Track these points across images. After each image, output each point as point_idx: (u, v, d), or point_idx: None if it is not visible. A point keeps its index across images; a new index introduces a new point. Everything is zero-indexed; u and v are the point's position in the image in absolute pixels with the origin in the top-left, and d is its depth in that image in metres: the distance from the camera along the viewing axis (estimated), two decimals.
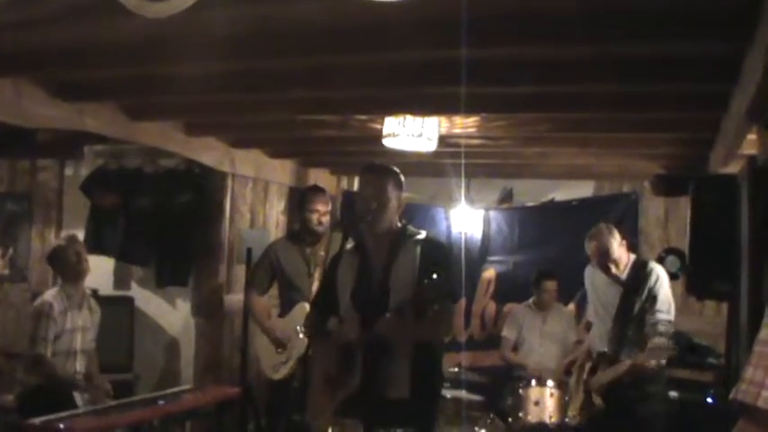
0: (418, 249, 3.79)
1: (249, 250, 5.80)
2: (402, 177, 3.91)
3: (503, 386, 6.37)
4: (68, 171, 7.63)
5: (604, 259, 5.17)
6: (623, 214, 7.08)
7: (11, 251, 7.65)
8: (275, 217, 7.66)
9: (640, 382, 4.96)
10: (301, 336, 5.34)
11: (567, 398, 5.60)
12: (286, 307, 5.65)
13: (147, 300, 7.30)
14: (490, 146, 6.21)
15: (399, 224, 3.90)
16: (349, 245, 3.93)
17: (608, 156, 6.61)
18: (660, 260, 5.67)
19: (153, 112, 5.52)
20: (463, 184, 7.67)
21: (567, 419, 5.53)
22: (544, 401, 5.65)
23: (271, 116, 5.69)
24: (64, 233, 6.97)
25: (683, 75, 3.83)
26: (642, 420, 4.97)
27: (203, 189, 6.99)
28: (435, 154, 5.70)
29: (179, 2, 2.46)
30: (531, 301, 6.89)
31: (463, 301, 7.49)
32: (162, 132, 5.89)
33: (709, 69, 3.72)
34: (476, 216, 7.92)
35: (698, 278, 4.02)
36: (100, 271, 6.49)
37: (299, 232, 5.80)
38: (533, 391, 5.71)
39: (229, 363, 6.79)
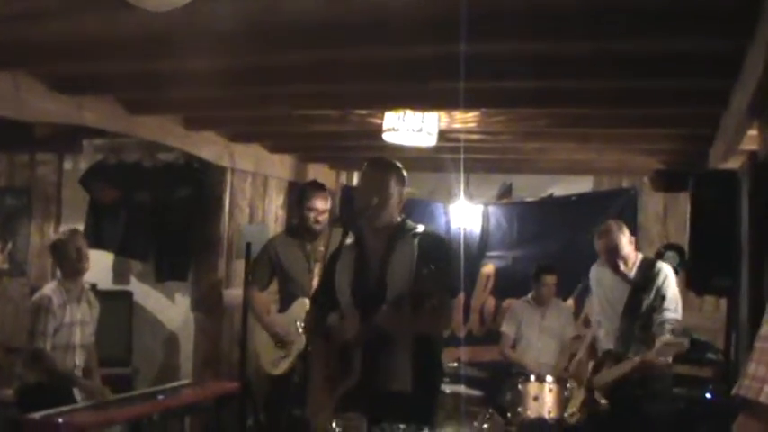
0: (416, 243, 3.79)
1: (248, 245, 5.80)
2: (404, 173, 3.91)
3: (502, 381, 6.37)
4: (67, 165, 7.63)
5: (614, 256, 5.17)
6: (622, 210, 7.07)
7: (10, 245, 7.66)
8: (274, 212, 7.66)
9: (646, 380, 4.96)
10: (301, 331, 5.35)
11: (566, 393, 5.60)
12: (286, 302, 5.66)
13: (146, 294, 7.30)
14: (489, 141, 6.22)
15: (399, 219, 3.89)
16: (348, 240, 3.93)
17: (607, 151, 6.61)
18: (659, 256, 5.69)
19: (152, 106, 5.51)
20: (462, 180, 7.66)
21: (566, 416, 5.53)
22: (543, 397, 5.65)
23: (270, 111, 5.68)
24: (63, 227, 6.99)
25: (682, 71, 3.83)
26: (647, 419, 4.97)
27: (202, 184, 6.99)
28: (435, 149, 5.70)
29: None
30: (529, 296, 6.89)
31: (462, 297, 7.49)
32: (161, 126, 5.89)
33: (709, 65, 3.71)
34: (475, 211, 7.92)
35: (698, 274, 4.02)
36: (99, 265, 6.48)
37: (299, 228, 5.81)
38: (532, 387, 5.71)
39: (228, 358, 6.79)
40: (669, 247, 5.72)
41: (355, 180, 8.55)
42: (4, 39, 3.87)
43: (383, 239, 3.84)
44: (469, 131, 5.81)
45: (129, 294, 7.19)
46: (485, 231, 7.92)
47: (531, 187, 8.61)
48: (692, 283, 4.11)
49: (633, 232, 5.76)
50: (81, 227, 6.74)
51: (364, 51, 3.95)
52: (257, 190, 7.39)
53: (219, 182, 6.96)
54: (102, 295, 5.79)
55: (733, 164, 4.44)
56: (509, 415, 5.71)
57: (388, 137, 5.35)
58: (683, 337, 4.84)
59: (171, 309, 7.30)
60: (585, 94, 4.59)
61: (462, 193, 7.80)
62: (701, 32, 3.23)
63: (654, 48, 3.67)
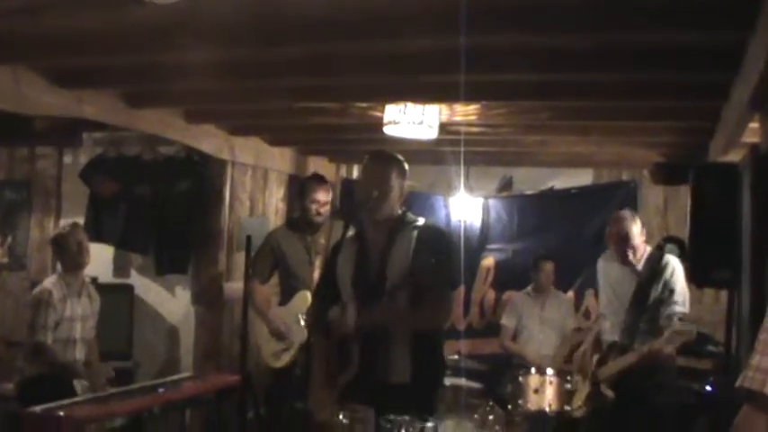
0: (415, 235, 3.79)
1: (249, 238, 5.79)
2: (406, 165, 3.90)
3: (502, 374, 6.38)
4: (67, 159, 7.63)
5: (624, 245, 5.15)
6: (622, 203, 7.05)
7: (9, 239, 7.66)
8: (274, 205, 7.65)
9: (652, 371, 4.95)
10: (303, 323, 5.35)
11: (568, 386, 5.60)
12: (287, 295, 5.67)
13: (146, 287, 7.31)
14: (490, 134, 6.21)
15: (399, 212, 3.89)
16: (350, 233, 3.93)
17: (608, 144, 6.61)
18: (659, 249, 5.67)
19: (152, 99, 5.49)
20: (462, 172, 7.66)
21: (567, 408, 5.53)
22: (544, 389, 5.65)
23: (271, 104, 5.67)
24: (63, 221, 6.98)
25: (683, 63, 3.82)
26: (652, 410, 4.97)
27: (203, 177, 6.98)
28: (435, 142, 5.69)
29: None
30: (529, 287, 6.92)
31: (462, 289, 7.50)
32: (161, 120, 5.88)
33: (710, 58, 3.71)
34: (475, 204, 7.92)
35: (698, 266, 4.02)
36: (99, 259, 6.48)
37: (300, 221, 5.81)
38: (533, 379, 5.71)
39: (229, 351, 6.79)
40: (669, 239, 5.69)
41: (355, 173, 8.55)
42: (4, 32, 3.87)
43: (384, 232, 3.84)
44: (470, 124, 5.81)
45: (129, 288, 7.20)
46: (485, 224, 7.93)
47: (532, 180, 8.62)
48: (693, 275, 4.12)
49: None
50: (81, 220, 6.73)
51: (365, 44, 3.94)
52: (257, 183, 7.39)
53: (220, 175, 6.94)
54: (103, 289, 5.79)
55: (733, 157, 4.44)
56: (509, 407, 5.71)
57: (388, 129, 5.34)
58: (691, 326, 4.85)
59: (171, 302, 7.31)
60: (586, 87, 4.59)
61: (462, 185, 7.80)
62: (701, 25, 3.22)
63: (654, 40, 3.66)
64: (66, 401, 4.52)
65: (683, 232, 4.76)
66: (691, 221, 3.98)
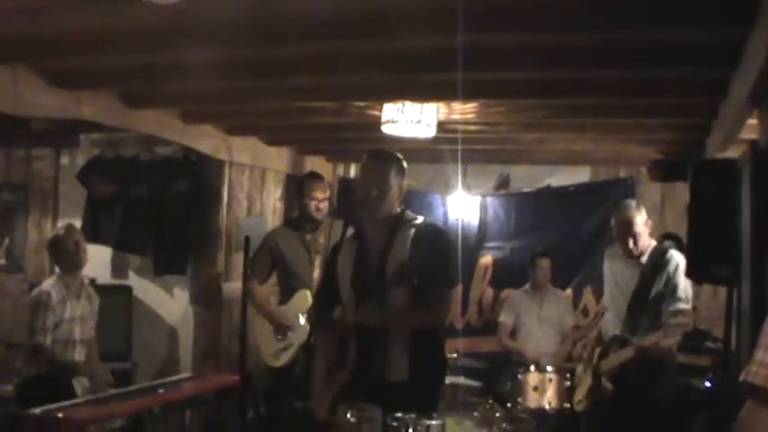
0: (413, 233, 3.79)
1: (247, 238, 5.78)
2: (405, 164, 3.90)
3: (501, 372, 6.40)
4: (64, 160, 7.63)
5: (626, 232, 5.12)
6: (620, 200, 7.06)
7: (7, 241, 7.65)
8: (272, 204, 7.65)
9: (652, 364, 4.95)
10: (302, 322, 5.36)
11: (567, 383, 5.60)
12: (286, 294, 5.68)
13: (144, 288, 7.30)
14: (487, 132, 6.22)
15: (398, 210, 3.89)
16: (349, 232, 3.93)
17: (605, 141, 6.61)
18: (662, 243, 5.66)
19: (150, 99, 5.49)
20: (460, 171, 7.66)
21: (567, 405, 5.54)
22: (544, 387, 5.66)
23: (268, 104, 5.67)
24: (60, 222, 6.97)
25: (680, 60, 3.83)
26: (652, 406, 4.97)
27: (200, 177, 6.97)
28: (433, 140, 5.70)
29: None
30: (527, 285, 6.94)
31: (460, 288, 7.50)
32: (159, 120, 5.87)
33: (707, 55, 3.71)
34: (473, 202, 7.94)
35: (697, 262, 4.02)
36: (97, 260, 6.47)
37: (299, 220, 5.82)
38: (533, 377, 5.71)
39: (228, 351, 6.80)
40: (667, 236, 5.71)
41: (352, 172, 8.55)
42: (2, 33, 3.86)
43: (383, 231, 3.84)
44: (468, 122, 5.81)
45: (128, 289, 7.19)
46: (482, 222, 7.94)
47: (529, 178, 8.61)
48: (692, 271, 4.11)
49: None
50: (78, 222, 6.74)
51: (363, 43, 3.94)
52: (255, 183, 7.39)
53: (217, 175, 6.94)
54: (101, 290, 5.78)
55: (731, 153, 4.45)
56: (509, 405, 5.71)
57: (386, 128, 5.34)
58: (686, 318, 4.86)
59: (170, 303, 7.31)
60: (584, 85, 4.59)
61: (460, 184, 7.80)
62: (699, 21, 3.22)
63: (652, 37, 3.67)
64: (65, 403, 4.51)
65: (681, 229, 4.77)
66: (689, 218, 3.98)
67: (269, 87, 5.12)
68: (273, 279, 5.90)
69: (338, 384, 3.74)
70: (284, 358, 5.56)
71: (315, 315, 4.15)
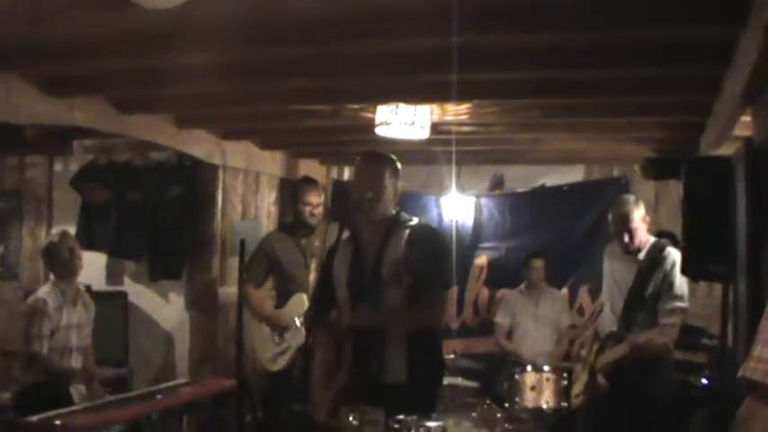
0: (408, 235, 3.79)
1: (242, 242, 5.78)
2: (399, 165, 3.90)
3: (498, 372, 6.39)
4: (57, 167, 7.61)
5: (622, 227, 5.09)
6: (614, 198, 7.07)
7: (1, 249, 7.64)
8: (266, 208, 7.65)
9: (647, 361, 4.95)
10: (299, 325, 5.36)
11: (564, 383, 5.60)
12: (283, 298, 5.67)
13: (140, 294, 7.29)
14: (481, 132, 6.23)
15: (394, 212, 3.89)
16: (345, 235, 3.93)
17: (599, 140, 6.63)
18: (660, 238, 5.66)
19: (143, 105, 5.49)
20: (454, 172, 7.67)
21: (564, 404, 5.54)
22: (541, 386, 5.65)
23: (261, 107, 5.67)
24: (55, 230, 6.95)
25: (673, 58, 3.84)
26: (649, 403, 4.97)
27: (194, 182, 6.97)
28: (427, 142, 5.70)
29: None
30: (522, 285, 6.94)
31: (456, 289, 7.51)
32: (152, 125, 5.87)
33: (700, 53, 3.73)
34: (467, 203, 7.94)
35: (692, 260, 4.03)
36: (92, 266, 6.47)
37: (293, 224, 5.82)
38: (529, 377, 5.70)
39: (225, 355, 6.79)
40: (661, 234, 5.71)
41: (346, 174, 8.55)
42: None
43: (379, 233, 3.83)
44: (461, 123, 5.82)
45: (123, 295, 7.17)
46: (477, 223, 7.94)
47: (523, 178, 8.64)
48: (688, 268, 4.12)
49: None
50: (73, 229, 6.71)
51: (356, 45, 3.94)
52: (249, 187, 7.38)
53: (211, 179, 6.94)
54: (97, 296, 5.76)
55: (724, 150, 4.46)
56: (506, 405, 5.71)
57: (380, 131, 5.34)
58: (683, 315, 4.87)
59: (166, 308, 7.30)
60: (577, 84, 4.60)
61: (454, 185, 7.80)
62: (692, 19, 3.23)
63: (645, 36, 3.67)
64: (63, 410, 4.49)
65: (675, 227, 4.77)
66: (684, 216, 3.99)
67: (261, 91, 5.12)
68: (269, 283, 5.90)
69: (337, 387, 3.74)
70: (281, 362, 5.55)
71: (312, 318, 4.14)
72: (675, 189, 5.40)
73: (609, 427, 5.22)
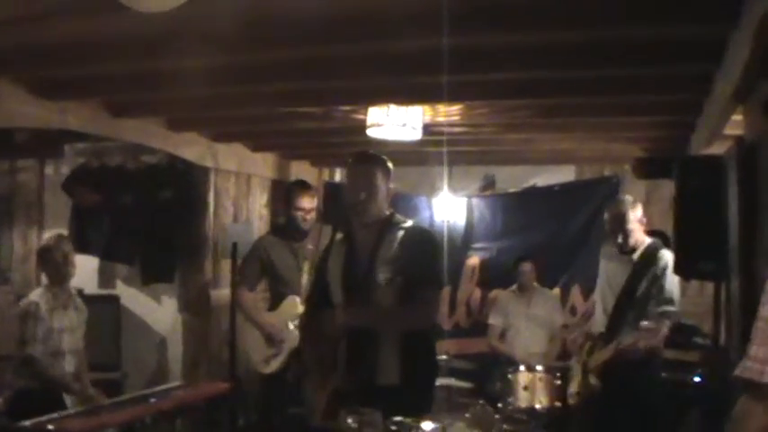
0: (401, 236, 3.78)
1: (234, 245, 5.79)
2: (390, 166, 3.89)
3: (491, 372, 6.40)
4: (49, 170, 7.59)
5: (617, 227, 5.12)
6: (605, 198, 7.09)
7: None
8: (258, 210, 7.63)
9: (637, 362, 4.96)
10: (292, 328, 5.35)
11: (557, 382, 5.61)
12: (276, 301, 5.67)
13: (132, 298, 7.27)
14: (472, 133, 6.23)
15: (387, 213, 3.89)
16: (338, 236, 3.93)
17: (590, 140, 6.64)
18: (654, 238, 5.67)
19: (135, 108, 5.48)
20: (446, 173, 7.67)
21: (557, 403, 5.55)
22: (534, 386, 5.67)
23: (253, 110, 5.66)
24: (46, 233, 6.93)
25: (663, 58, 3.84)
26: (641, 402, 4.98)
27: (186, 184, 6.94)
28: (418, 143, 5.70)
29: None
30: (514, 286, 6.95)
31: (448, 289, 7.51)
32: (143, 129, 5.86)
33: (691, 52, 3.74)
34: (458, 204, 7.95)
35: (684, 258, 4.04)
36: (84, 270, 6.43)
37: (286, 228, 5.81)
38: (522, 376, 5.72)
39: (218, 358, 6.77)
40: (652, 233, 5.73)
41: (338, 176, 8.55)
42: None
43: (373, 234, 3.82)
44: (452, 124, 5.82)
45: (115, 298, 7.16)
46: (469, 223, 7.95)
47: (514, 178, 8.65)
48: (679, 267, 4.14)
49: None
50: (64, 232, 6.69)
51: (347, 47, 3.94)
52: (241, 189, 7.37)
53: (203, 182, 6.91)
54: (89, 300, 5.75)
55: (715, 149, 4.47)
56: (500, 405, 5.72)
57: (372, 132, 5.35)
58: (669, 318, 4.88)
59: (158, 311, 7.28)
60: (567, 84, 4.61)
61: (446, 185, 7.80)
62: (682, 18, 3.24)
63: (635, 35, 3.68)
64: (56, 415, 4.48)
65: (667, 226, 4.78)
66: (675, 214, 4.01)
67: (253, 93, 5.11)
68: (262, 285, 5.89)
69: (331, 388, 3.73)
70: (275, 364, 5.55)
71: (306, 319, 4.14)
72: (667, 188, 5.41)
73: (602, 427, 5.24)
